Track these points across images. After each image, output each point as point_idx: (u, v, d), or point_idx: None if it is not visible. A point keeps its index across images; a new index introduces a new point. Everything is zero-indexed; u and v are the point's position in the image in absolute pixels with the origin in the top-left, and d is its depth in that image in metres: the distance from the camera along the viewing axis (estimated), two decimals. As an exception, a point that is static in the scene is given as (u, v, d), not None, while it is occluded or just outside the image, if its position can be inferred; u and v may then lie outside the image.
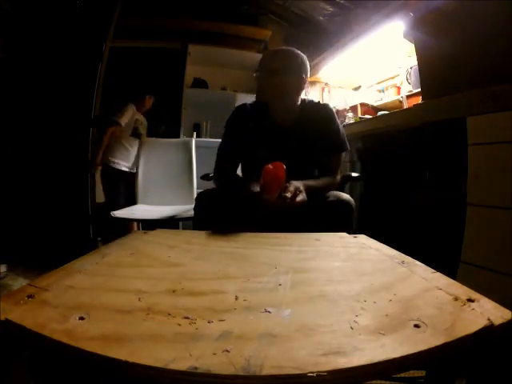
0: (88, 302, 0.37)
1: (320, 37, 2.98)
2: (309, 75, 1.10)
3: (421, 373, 0.60)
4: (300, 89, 1.08)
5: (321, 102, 1.21)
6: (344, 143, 1.14)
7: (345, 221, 0.96)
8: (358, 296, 0.39)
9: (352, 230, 0.97)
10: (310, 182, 1.00)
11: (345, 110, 2.70)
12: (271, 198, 0.85)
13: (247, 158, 1.16)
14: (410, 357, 0.27)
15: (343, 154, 1.18)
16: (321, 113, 1.12)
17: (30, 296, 0.37)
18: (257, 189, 0.92)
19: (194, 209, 1.04)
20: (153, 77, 2.67)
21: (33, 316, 0.33)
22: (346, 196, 1.00)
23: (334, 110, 1.17)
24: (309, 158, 1.12)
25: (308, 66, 1.09)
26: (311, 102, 1.16)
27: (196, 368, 0.25)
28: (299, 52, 1.08)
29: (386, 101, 2.55)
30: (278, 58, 1.05)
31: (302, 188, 0.91)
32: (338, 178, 1.15)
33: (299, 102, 1.11)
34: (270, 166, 0.84)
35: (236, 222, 0.93)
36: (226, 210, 0.97)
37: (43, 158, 2.28)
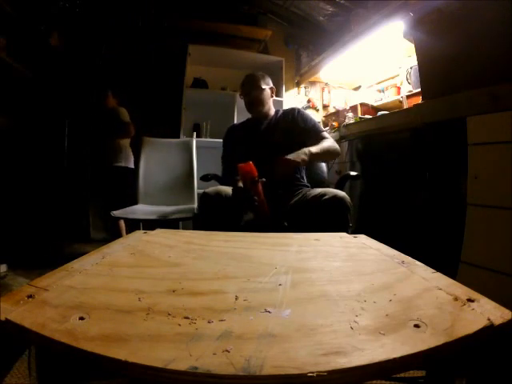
0: (88, 301, 0.37)
1: (320, 37, 2.98)
2: (271, 85, 1.48)
3: (421, 373, 0.59)
4: (270, 96, 1.45)
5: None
6: (322, 130, 1.40)
7: (341, 218, 0.97)
8: (358, 296, 0.39)
9: (350, 229, 0.98)
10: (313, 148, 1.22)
11: (345, 109, 2.70)
12: (245, 184, 1.11)
13: (242, 157, 1.33)
14: (409, 357, 0.27)
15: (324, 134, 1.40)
16: (294, 110, 1.44)
17: (29, 296, 0.37)
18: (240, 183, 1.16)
19: (199, 207, 1.15)
20: (153, 77, 2.67)
21: (33, 316, 0.32)
22: (341, 193, 1.01)
23: (301, 108, 1.52)
24: (290, 147, 1.29)
25: (269, 80, 1.47)
26: (283, 110, 1.52)
27: (196, 368, 0.25)
28: (259, 73, 1.47)
29: (386, 101, 2.54)
30: (248, 83, 1.43)
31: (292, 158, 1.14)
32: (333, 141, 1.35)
33: (273, 110, 1.47)
34: (242, 164, 1.11)
35: (237, 221, 1.05)
36: (230, 210, 1.07)
37: (44, 159, 2.28)
